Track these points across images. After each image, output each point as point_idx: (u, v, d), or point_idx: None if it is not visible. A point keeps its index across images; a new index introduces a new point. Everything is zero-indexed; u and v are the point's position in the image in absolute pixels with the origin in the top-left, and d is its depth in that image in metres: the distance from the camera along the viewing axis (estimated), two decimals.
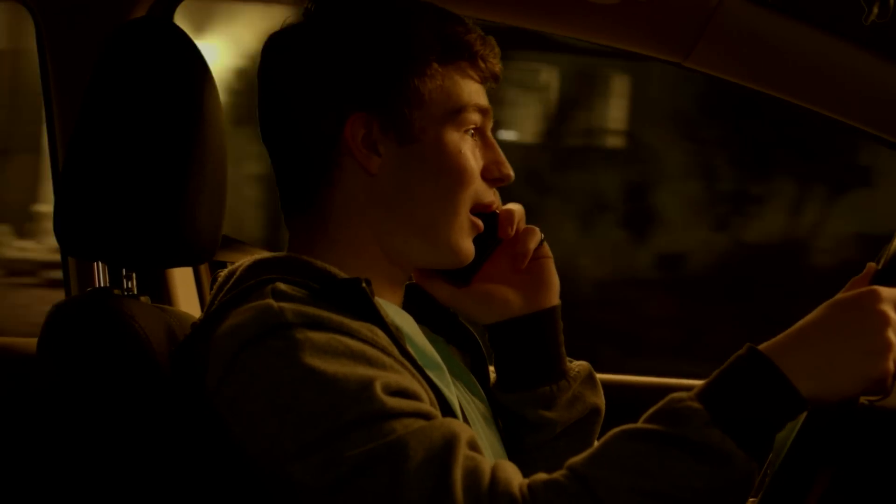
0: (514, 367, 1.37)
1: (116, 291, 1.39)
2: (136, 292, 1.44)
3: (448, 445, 1.05)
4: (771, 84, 1.61)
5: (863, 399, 1.17)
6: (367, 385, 1.07)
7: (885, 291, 1.08)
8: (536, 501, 1.02)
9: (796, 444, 1.11)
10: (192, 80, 1.34)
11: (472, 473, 1.03)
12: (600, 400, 1.40)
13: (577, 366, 1.40)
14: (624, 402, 1.54)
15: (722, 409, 1.04)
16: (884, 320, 1.06)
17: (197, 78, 1.35)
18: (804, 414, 1.10)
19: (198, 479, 1.17)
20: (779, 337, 1.08)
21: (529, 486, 1.04)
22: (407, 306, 1.32)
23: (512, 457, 1.35)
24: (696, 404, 1.04)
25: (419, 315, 1.32)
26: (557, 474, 1.05)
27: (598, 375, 1.43)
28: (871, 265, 1.20)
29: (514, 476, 1.05)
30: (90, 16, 1.73)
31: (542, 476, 1.05)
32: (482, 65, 1.29)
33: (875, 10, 1.41)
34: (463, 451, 1.05)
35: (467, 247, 1.30)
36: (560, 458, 1.34)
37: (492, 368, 1.43)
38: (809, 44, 1.56)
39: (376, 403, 1.06)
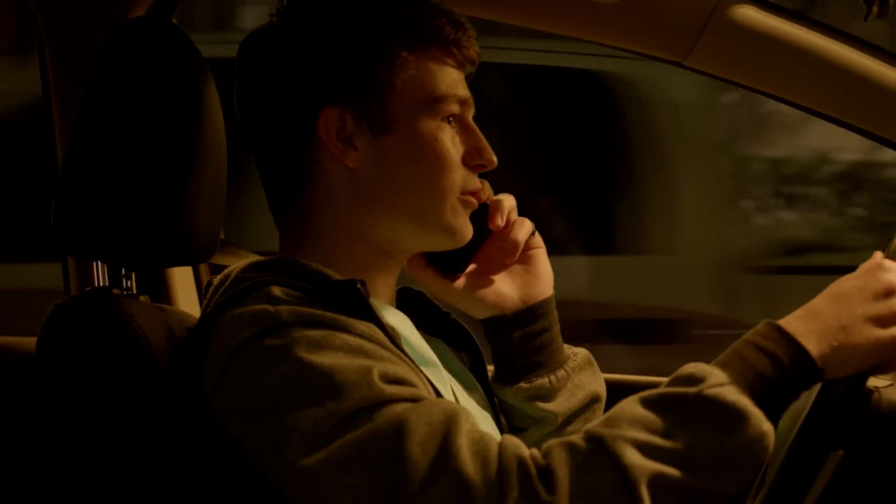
0: (510, 360, 1.37)
1: (116, 291, 1.39)
2: (135, 292, 1.44)
3: (449, 419, 1.04)
4: (771, 84, 1.61)
5: (871, 384, 1.17)
6: (365, 373, 1.07)
7: (889, 263, 1.10)
8: (551, 460, 1.02)
9: (804, 427, 1.10)
10: (191, 80, 1.34)
11: (478, 442, 1.03)
12: (600, 386, 1.40)
13: (575, 353, 1.40)
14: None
15: (737, 370, 1.04)
16: (891, 287, 1.08)
17: (196, 77, 1.35)
18: (810, 400, 1.10)
19: (195, 479, 1.17)
20: (794, 313, 1.09)
21: (543, 450, 1.03)
22: (401, 310, 1.32)
23: None
24: (710, 367, 1.05)
25: (415, 319, 1.32)
26: (572, 437, 1.04)
27: (603, 375, 1.43)
28: (879, 253, 1.20)
29: (521, 444, 1.05)
30: (90, 15, 1.73)
31: (555, 440, 1.05)
32: (455, 50, 1.28)
33: (875, 9, 1.41)
34: (465, 424, 1.05)
35: (462, 225, 1.29)
36: None
37: (490, 368, 1.43)
38: (809, 43, 1.56)
39: (375, 390, 1.06)
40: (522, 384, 1.36)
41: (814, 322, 1.07)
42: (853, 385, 1.09)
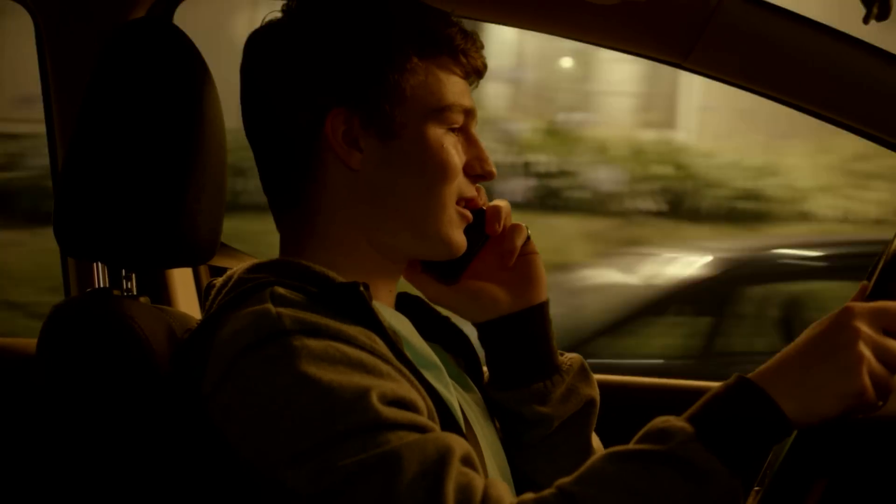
0: (505, 364, 1.37)
1: (116, 292, 1.39)
2: (135, 293, 1.44)
3: (442, 460, 1.05)
4: (771, 85, 1.61)
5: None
6: (362, 394, 1.07)
7: (857, 306, 1.10)
8: None
9: (789, 455, 1.11)
10: (191, 81, 1.34)
11: (465, 489, 1.04)
12: (594, 391, 1.40)
13: (569, 359, 1.41)
14: (621, 403, 1.54)
15: (707, 427, 1.05)
16: (855, 335, 1.08)
17: (196, 78, 1.35)
18: (794, 434, 1.11)
19: (193, 481, 1.17)
20: (765, 364, 1.10)
21: (519, 501, 1.05)
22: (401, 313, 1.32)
23: (511, 454, 1.36)
24: (681, 423, 1.06)
25: (413, 323, 1.32)
26: (546, 492, 1.05)
27: (596, 376, 1.43)
28: (865, 284, 1.20)
29: (505, 494, 1.06)
30: (90, 16, 1.73)
31: (530, 495, 1.06)
32: (463, 59, 1.28)
33: (875, 10, 1.41)
34: (456, 467, 1.05)
35: (458, 238, 1.29)
36: (559, 452, 1.36)
37: (485, 369, 1.43)
38: (809, 44, 1.56)
39: (371, 413, 1.06)
40: (517, 388, 1.36)
41: (786, 376, 1.08)
42: (832, 424, 1.09)
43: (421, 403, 1.13)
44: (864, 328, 1.08)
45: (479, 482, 1.05)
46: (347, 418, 1.05)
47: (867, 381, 1.07)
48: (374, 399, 1.06)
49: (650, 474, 1.03)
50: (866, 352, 1.07)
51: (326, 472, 1.04)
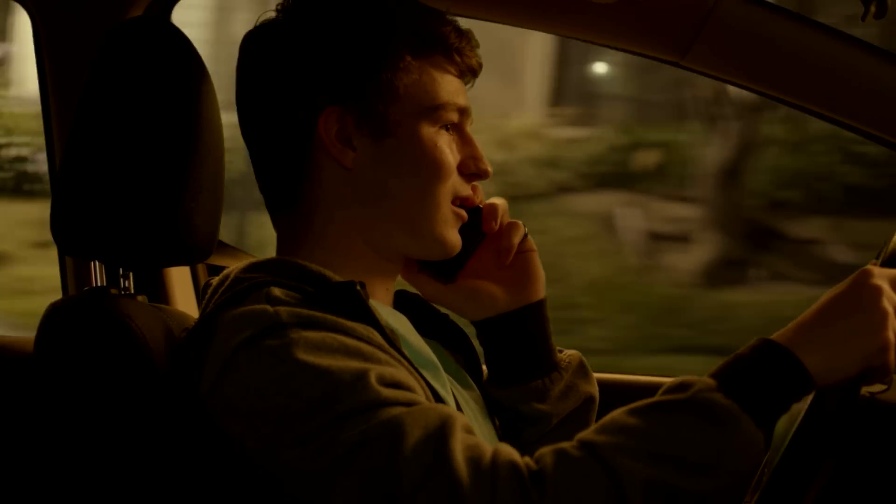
0: (504, 362, 1.37)
1: (113, 291, 1.39)
2: (132, 292, 1.44)
3: (444, 425, 1.04)
4: (769, 84, 1.61)
5: (865, 391, 1.18)
6: (361, 375, 1.07)
7: (875, 268, 1.11)
8: (543, 466, 1.02)
9: (797, 437, 1.11)
10: (189, 79, 1.34)
11: (472, 448, 1.03)
12: (593, 388, 1.40)
13: (568, 356, 1.41)
14: (620, 400, 1.54)
15: (728, 379, 1.05)
16: (877, 292, 1.09)
17: (194, 77, 1.35)
18: (804, 406, 1.11)
19: (192, 479, 1.17)
20: (784, 328, 1.10)
21: (536, 457, 1.04)
22: (398, 311, 1.32)
23: None
24: (701, 377, 1.06)
25: (412, 321, 1.32)
26: (565, 444, 1.05)
27: (595, 375, 1.43)
28: (873, 262, 1.20)
29: (514, 451, 1.05)
30: (87, 15, 1.73)
31: (547, 448, 1.05)
32: (458, 58, 1.28)
33: (872, 8, 1.41)
34: (461, 430, 1.05)
35: (453, 237, 1.29)
36: None
37: (484, 367, 1.43)
38: (807, 42, 1.56)
39: (371, 393, 1.06)
40: (516, 386, 1.36)
41: (805, 333, 1.08)
42: (846, 394, 1.10)
43: (419, 389, 1.13)
44: (886, 287, 1.09)
45: (485, 444, 1.05)
46: (348, 399, 1.05)
47: (891, 336, 1.07)
48: (373, 380, 1.07)
49: (670, 421, 1.03)
50: (889, 308, 1.08)
51: (331, 446, 1.04)
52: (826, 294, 1.11)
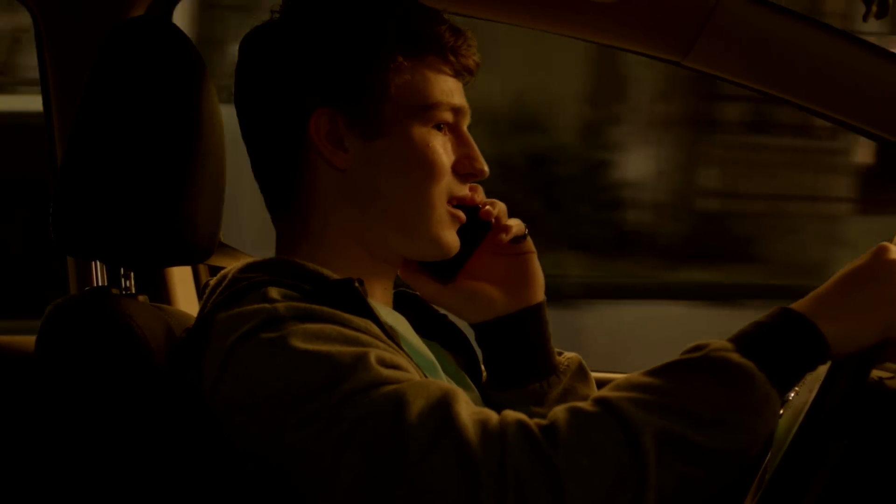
0: (502, 365, 1.37)
1: (115, 290, 1.39)
2: (134, 291, 1.44)
3: (447, 394, 1.04)
4: (770, 83, 1.60)
5: (874, 375, 1.18)
6: (361, 357, 1.07)
7: (894, 246, 1.11)
8: (555, 421, 1.02)
9: (807, 418, 1.10)
10: (190, 80, 1.34)
11: (478, 412, 1.03)
12: (592, 391, 1.40)
13: (567, 359, 1.40)
14: None
15: (744, 340, 1.06)
16: (895, 266, 1.09)
17: (195, 77, 1.35)
18: (811, 398, 1.10)
19: (195, 478, 1.17)
20: (802, 298, 1.11)
21: (549, 415, 1.04)
22: (398, 311, 1.32)
23: None
24: (716, 340, 1.06)
25: (411, 322, 1.32)
26: (577, 402, 1.05)
27: (595, 375, 1.43)
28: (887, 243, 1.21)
29: (521, 415, 1.05)
30: (89, 15, 1.73)
31: (562, 407, 1.05)
32: (452, 58, 1.28)
33: (874, 8, 1.41)
34: (464, 400, 1.05)
35: (449, 238, 1.29)
36: None
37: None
38: (809, 42, 1.56)
39: (372, 372, 1.06)
40: (514, 389, 1.36)
41: (822, 303, 1.09)
42: (858, 373, 1.10)
43: (416, 373, 1.13)
44: None
45: (490, 411, 1.05)
46: (349, 379, 1.05)
47: None
48: (373, 361, 1.07)
49: (685, 378, 1.03)
50: None
51: (335, 424, 1.04)
52: (843, 269, 1.12)
